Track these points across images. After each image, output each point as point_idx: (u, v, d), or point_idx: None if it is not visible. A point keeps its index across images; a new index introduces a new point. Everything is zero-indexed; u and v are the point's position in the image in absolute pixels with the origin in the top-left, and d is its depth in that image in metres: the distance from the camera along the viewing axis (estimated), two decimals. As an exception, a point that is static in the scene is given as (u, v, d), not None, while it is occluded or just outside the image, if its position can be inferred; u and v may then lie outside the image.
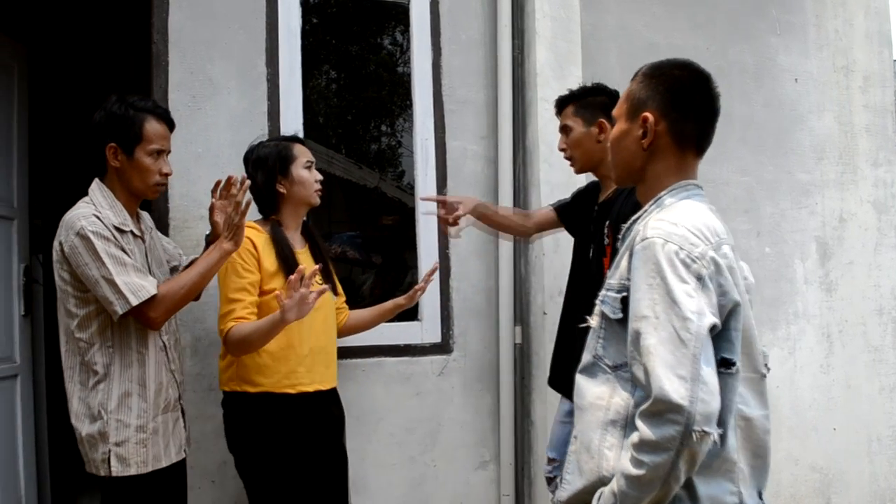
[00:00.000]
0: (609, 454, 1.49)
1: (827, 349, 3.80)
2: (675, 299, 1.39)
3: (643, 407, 1.38)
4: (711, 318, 1.40)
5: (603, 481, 1.49)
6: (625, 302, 1.50)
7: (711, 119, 1.61)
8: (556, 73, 3.15)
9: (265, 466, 2.39)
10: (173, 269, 2.52)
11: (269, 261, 2.42)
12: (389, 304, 2.81)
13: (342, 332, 2.80)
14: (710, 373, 1.36)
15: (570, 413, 2.23)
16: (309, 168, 2.53)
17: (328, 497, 2.56)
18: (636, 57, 3.46)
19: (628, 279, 1.50)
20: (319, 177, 2.57)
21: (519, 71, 3.24)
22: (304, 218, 2.65)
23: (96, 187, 2.26)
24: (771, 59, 3.78)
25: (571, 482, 1.59)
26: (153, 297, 2.15)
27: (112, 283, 2.09)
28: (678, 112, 1.57)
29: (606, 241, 2.39)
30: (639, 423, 1.38)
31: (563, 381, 2.62)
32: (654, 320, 1.39)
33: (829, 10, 3.94)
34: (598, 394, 1.55)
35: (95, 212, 2.16)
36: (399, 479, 3.14)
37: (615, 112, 1.70)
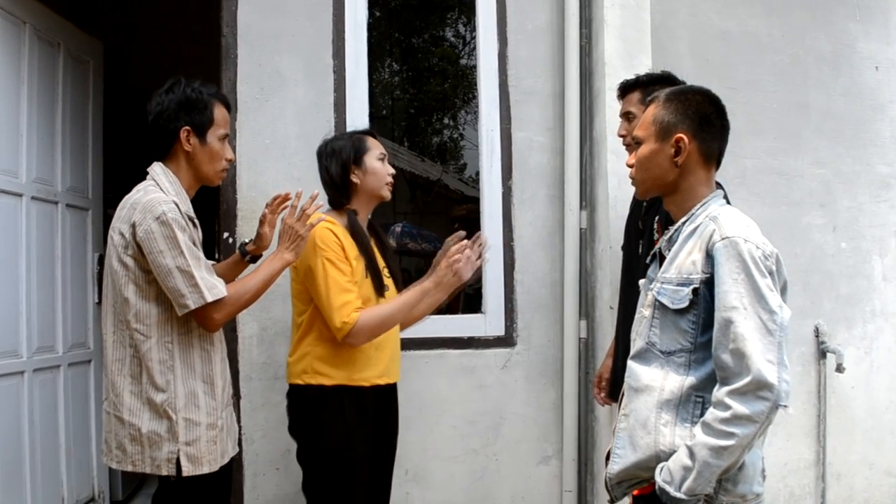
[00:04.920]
0: (665, 430, 1.67)
1: (906, 349, 3.64)
2: (762, 294, 1.59)
3: (734, 386, 1.55)
4: (788, 311, 1.62)
5: (658, 456, 1.67)
6: (695, 293, 1.67)
7: (727, 137, 1.83)
8: (625, 62, 3.08)
9: (331, 455, 2.37)
10: None
11: (353, 252, 2.41)
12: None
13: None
14: (786, 358, 1.59)
15: None
16: (382, 160, 2.52)
17: (377, 487, 2.56)
18: (708, 45, 3.41)
19: (701, 272, 1.67)
20: (391, 170, 2.54)
21: (586, 60, 3.19)
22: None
23: (161, 171, 2.17)
24: (850, 46, 3.63)
25: (623, 456, 1.75)
26: (222, 298, 2.09)
27: (189, 276, 2.03)
28: (706, 133, 1.78)
29: (657, 236, 2.39)
30: (729, 400, 1.55)
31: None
32: (742, 311, 1.58)
33: (913, -5, 3.77)
34: (652, 377, 1.73)
35: (172, 198, 2.09)
36: (461, 472, 3.14)
37: (640, 133, 1.85)
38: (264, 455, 2.95)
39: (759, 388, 1.53)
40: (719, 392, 1.58)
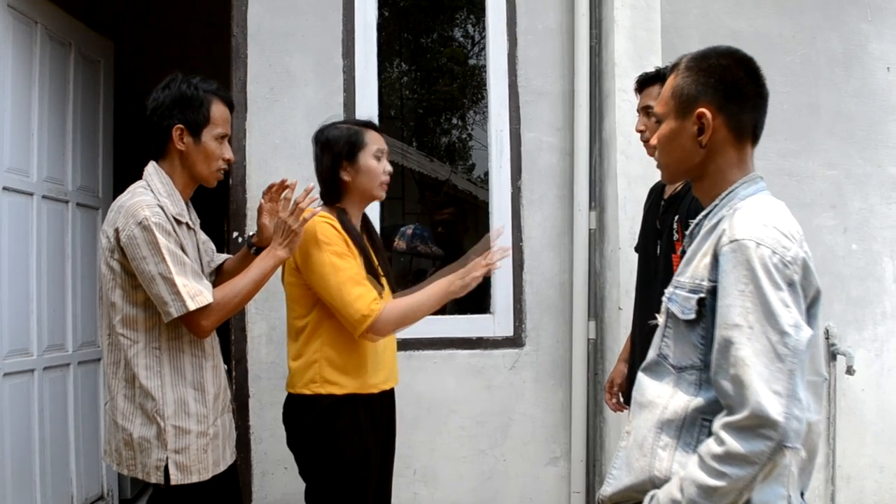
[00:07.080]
0: (662, 454, 1.45)
1: (917, 352, 3.62)
2: (773, 310, 1.32)
3: (732, 419, 1.31)
4: (808, 331, 1.35)
5: (653, 481, 1.45)
6: (701, 304, 1.43)
7: (765, 106, 1.53)
8: (635, 62, 3.07)
9: (349, 467, 2.22)
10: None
11: (353, 250, 2.24)
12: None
13: None
14: (803, 389, 1.32)
15: None
16: (379, 158, 2.29)
17: (380, 492, 2.43)
18: (718, 45, 3.39)
19: (707, 280, 1.43)
20: (389, 168, 2.33)
21: (596, 61, 3.18)
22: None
23: (153, 171, 2.10)
24: (861, 47, 3.61)
25: (618, 478, 1.54)
26: (208, 305, 2.00)
27: (171, 283, 1.95)
28: (734, 104, 1.49)
29: (676, 236, 2.29)
30: (724, 435, 1.31)
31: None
32: (747, 330, 1.32)
33: (926, -5, 3.74)
34: (659, 392, 1.50)
35: (158, 201, 2.01)
36: (469, 472, 3.14)
37: (658, 109, 1.59)
38: (272, 454, 2.95)
39: (759, 424, 1.28)
40: (716, 422, 1.35)
